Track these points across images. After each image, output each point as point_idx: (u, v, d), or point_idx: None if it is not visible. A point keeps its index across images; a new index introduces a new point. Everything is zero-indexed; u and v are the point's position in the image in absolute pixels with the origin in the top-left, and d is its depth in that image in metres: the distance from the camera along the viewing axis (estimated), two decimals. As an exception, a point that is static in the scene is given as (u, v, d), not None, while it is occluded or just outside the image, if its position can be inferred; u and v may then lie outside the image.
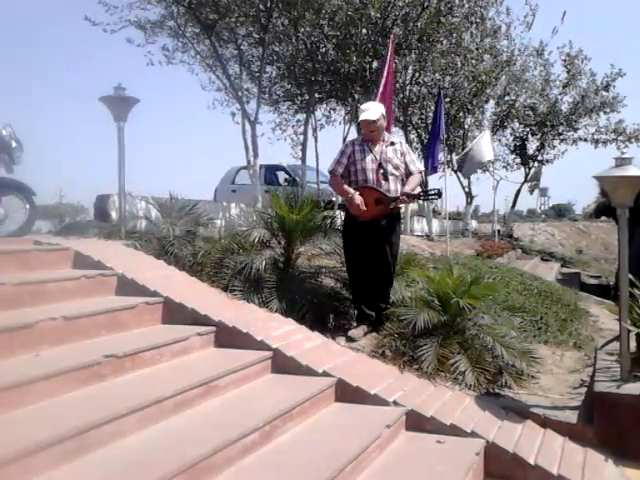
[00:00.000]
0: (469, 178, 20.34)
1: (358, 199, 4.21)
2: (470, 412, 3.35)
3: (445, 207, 17.11)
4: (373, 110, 4.30)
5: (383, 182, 4.28)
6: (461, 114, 16.43)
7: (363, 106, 4.42)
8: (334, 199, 8.55)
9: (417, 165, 4.43)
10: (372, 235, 4.24)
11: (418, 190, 4.53)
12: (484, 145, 13.24)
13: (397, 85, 13.03)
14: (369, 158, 4.31)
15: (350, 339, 4.12)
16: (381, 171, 4.29)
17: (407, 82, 13.40)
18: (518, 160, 20.19)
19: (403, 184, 4.36)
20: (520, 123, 19.38)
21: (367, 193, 4.23)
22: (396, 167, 4.32)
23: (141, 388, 2.77)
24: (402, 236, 11.76)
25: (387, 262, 4.32)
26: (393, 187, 4.29)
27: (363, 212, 4.22)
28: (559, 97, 18.33)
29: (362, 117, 4.30)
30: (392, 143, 4.39)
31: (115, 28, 10.34)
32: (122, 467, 2.17)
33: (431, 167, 11.48)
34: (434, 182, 19.99)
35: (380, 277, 4.33)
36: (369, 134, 4.35)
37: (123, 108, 5.76)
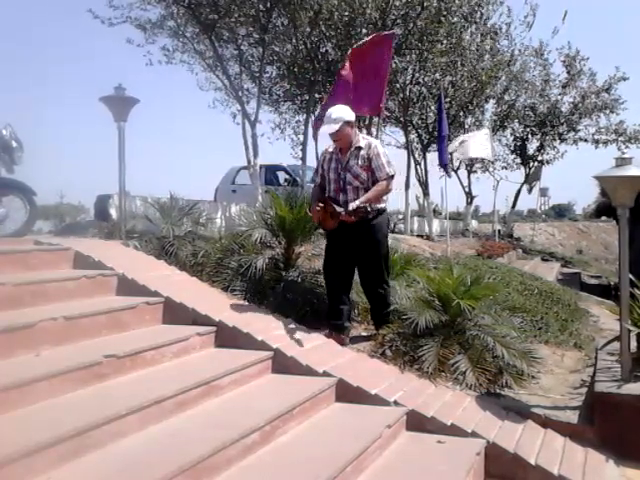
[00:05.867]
0: (469, 178, 20.39)
1: (314, 210, 4.11)
2: (471, 412, 3.35)
3: (445, 207, 17.13)
4: (332, 121, 4.02)
5: (341, 194, 4.11)
6: (461, 114, 16.42)
7: (327, 112, 4.16)
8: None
9: (385, 170, 4.03)
10: (349, 241, 4.10)
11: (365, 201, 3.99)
12: (480, 142, 13.16)
13: (397, 85, 13.03)
14: (333, 167, 4.17)
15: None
16: (340, 182, 4.12)
17: (407, 82, 13.38)
18: (518, 160, 20.20)
19: (365, 192, 4.03)
20: (520, 123, 19.40)
21: (327, 205, 4.07)
22: (356, 176, 4.06)
23: (141, 388, 2.77)
24: (403, 236, 11.73)
25: (371, 266, 4.18)
26: (351, 197, 4.03)
27: (322, 224, 4.17)
28: (559, 97, 18.35)
29: (321, 131, 4.13)
30: (358, 148, 4.09)
31: (114, 22, 10.41)
32: (122, 467, 2.17)
33: (443, 168, 11.30)
34: (434, 181, 20.01)
35: (368, 281, 4.26)
36: (334, 143, 4.19)
37: (123, 108, 5.76)
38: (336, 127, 4.00)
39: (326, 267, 4.30)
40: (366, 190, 4.03)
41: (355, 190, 4.06)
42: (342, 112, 4.10)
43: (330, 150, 4.28)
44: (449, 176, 11.61)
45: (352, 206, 3.87)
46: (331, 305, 4.24)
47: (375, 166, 4.04)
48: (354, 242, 4.11)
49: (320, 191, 4.28)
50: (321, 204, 4.08)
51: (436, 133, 11.47)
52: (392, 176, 4.12)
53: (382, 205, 4.18)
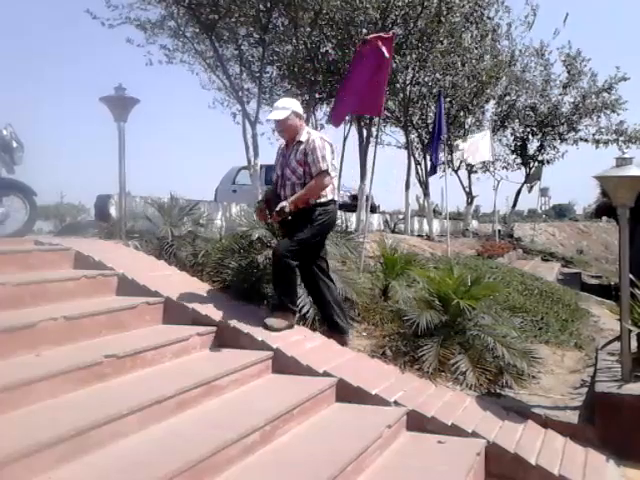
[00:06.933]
0: (470, 178, 20.39)
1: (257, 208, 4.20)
2: (471, 412, 3.35)
3: (446, 207, 17.11)
4: (281, 108, 3.96)
5: (282, 189, 4.00)
6: (461, 114, 16.41)
7: (275, 103, 4.13)
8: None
9: (319, 165, 3.85)
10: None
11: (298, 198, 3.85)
12: (482, 145, 13.38)
13: (397, 85, 13.02)
14: (280, 163, 4.09)
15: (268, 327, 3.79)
16: (281, 177, 4.04)
17: (407, 82, 13.38)
18: (519, 160, 20.20)
19: (302, 187, 3.90)
20: (520, 123, 19.38)
21: (268, 204, 4.05)
22: (293, 171, 3.94)
23: (142, 388, 2.77)
24: (403, 236, 11.74)
25: (289, 236, 3.92)
26: (288, 193, 3.92)
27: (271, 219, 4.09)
28: (560, 97, 18.36)
29: (268, 116, 4.13)
30: (299, 142, 3.96)
31: (114, 23, 10.41)
32: (123, 467, 2.17)
33: (431, 167, 11.71)
34: (434, 181, 20.04)
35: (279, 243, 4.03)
36: (279, 134, 4.16)
37: (123, 108, 5.75)
38: (285, 113, 3.91)
39: None
40: (303, 186, 3.90)
41: (292, 186, 3.94)
42: (291, 102, 4.06)
43: (281, 147, 4.22)
44: (432, 173, 12.03)
45: (279, 206, 3.78)
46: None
47: (310, 161, 3.89)
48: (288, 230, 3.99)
49: (274, 189, 4.16)
50: (263, 203, 4.12)
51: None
52: (325, 171, 3.88)
53: (323, 199, 3.93)
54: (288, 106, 3.97)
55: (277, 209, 3.81)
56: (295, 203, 3.81)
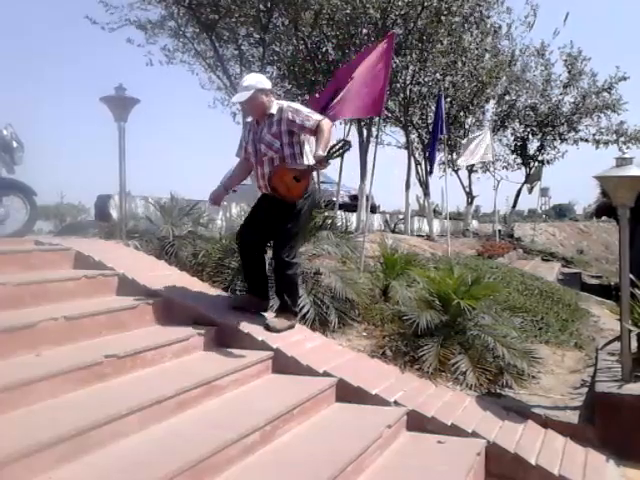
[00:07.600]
0: (470, 178, 20.40)
1: (214, 195, 4.20)
2: (471, 412, 3.35)
3: (446, 207, 17.12)
4: (243, 88, 3.75)
5: (258, 167, 3.86)
6: (462, 114, 16.42)
7: (241, 81, 3.95)
8: (334, 199, 8.57)
9: (315, 117, 3.69)
10: (273, 218, 3.85)
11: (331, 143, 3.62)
12: (482, 145, 13.44)
13: (397, 85, 13.04)
14: (250, 139, 3.90)
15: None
16: (256, 154, 3.85)
17: (407, 82, 13.38)
18: (519, 160, 20.20)
19: (282, 161, 3.76)
20: (521, 123, 19.38)
21: (283, 173, 3.71)
22: (269, 145, 3.76)
23: (142, 388, 2.77)
24: (403, 236, 11.76)
25: (282, 233, 3.83)
26: (267, 170, 3.78)
27: (287, 196, 3.74)
28: (560, 97, 18.36)
29: (232, 99, 4.06)
30: (270, 115, 3.78)
31: (114, 27, 10.45)
32: (123, 467, 2.17)
33: (430, 165, 11.89)
34: (434, 181, 20.08)
35: (276, 247, 3.90)
36: (248, 114, 4.01)
37: (124, 108, 5.75)
38: (248, 94, 3.69)
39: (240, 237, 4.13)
40: (281, 159, 3.76)
41: (270, 161, 3.79)
42: (255, 79, 3.80)
43: (250, 122, 4.04)
44: (431, 172, 12.27)
45: (319, 155, 3.51)
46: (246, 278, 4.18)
47: (300, 122, 3.69)
48: (275, 215, 3.84)
49: (246, 165, 4.06)
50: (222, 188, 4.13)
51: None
52: (321, 120, 3.68)
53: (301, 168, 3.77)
54: (253, 84, 3.73)
55: (321, 154, 3.50)
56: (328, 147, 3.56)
